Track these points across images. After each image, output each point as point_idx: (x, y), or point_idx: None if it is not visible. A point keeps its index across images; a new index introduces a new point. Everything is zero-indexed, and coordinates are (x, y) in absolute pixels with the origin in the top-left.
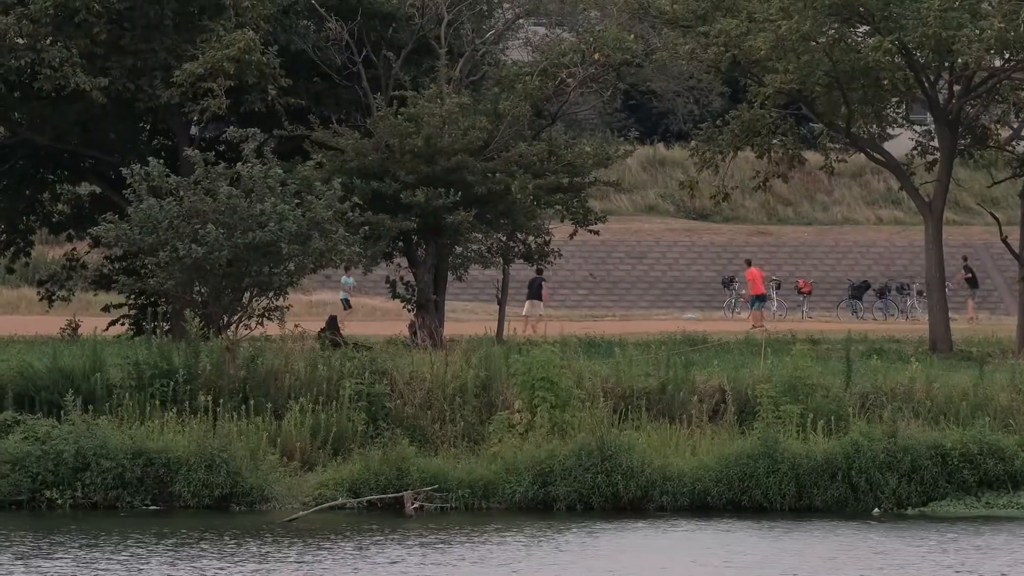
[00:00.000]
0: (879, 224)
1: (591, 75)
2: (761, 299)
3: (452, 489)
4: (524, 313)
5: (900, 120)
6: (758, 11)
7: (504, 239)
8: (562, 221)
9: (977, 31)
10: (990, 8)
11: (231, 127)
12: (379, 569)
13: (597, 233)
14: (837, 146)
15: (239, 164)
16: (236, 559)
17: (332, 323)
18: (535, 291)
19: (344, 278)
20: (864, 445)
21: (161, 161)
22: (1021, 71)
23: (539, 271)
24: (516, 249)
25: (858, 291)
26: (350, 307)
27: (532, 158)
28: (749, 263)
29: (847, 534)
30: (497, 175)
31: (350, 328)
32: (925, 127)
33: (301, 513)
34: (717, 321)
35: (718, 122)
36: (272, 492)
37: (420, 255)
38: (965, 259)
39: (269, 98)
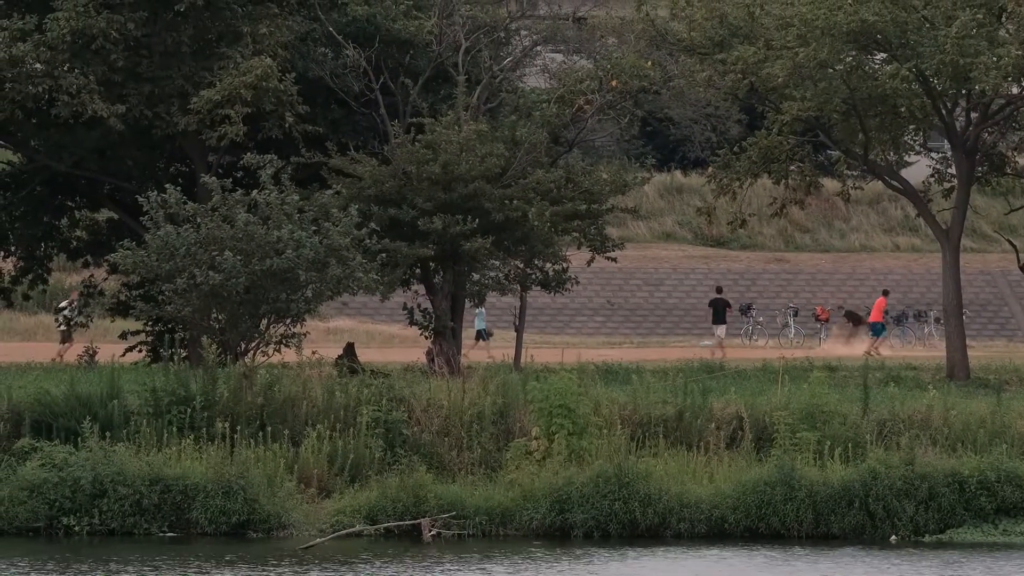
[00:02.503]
0: (896, 251)
1: (608, 102)
2: (877, 328)
3: (469, 516)
4: (720, 336)
5: (917, 147)
6: (775, 38)
7: (521, 266)
8: (579, 248)
9: (994, 58)
10: (1007, 35)
11: (248, 154)
12: None
13: (615, 260)
14: (854, 173)
15: (256, 191)
16: None
17: (349, 350)
18: (720, 314)
19: (479, 309)
20: (881, 472)
21: (178, 188)
22: None
23: (719, 290)
24: (533, 276)
25: None
26: (490, 335)
27: (549, 185)
28: (885, 293)
29: (864, 561)
30: (514, 202)
31: (368, 355)
32: (942, 154)
33: (318, 540)
34: (735, 348)
35: (735, 149)
36: (289, 519)
37: (437, 282)
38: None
39: (286, 125)
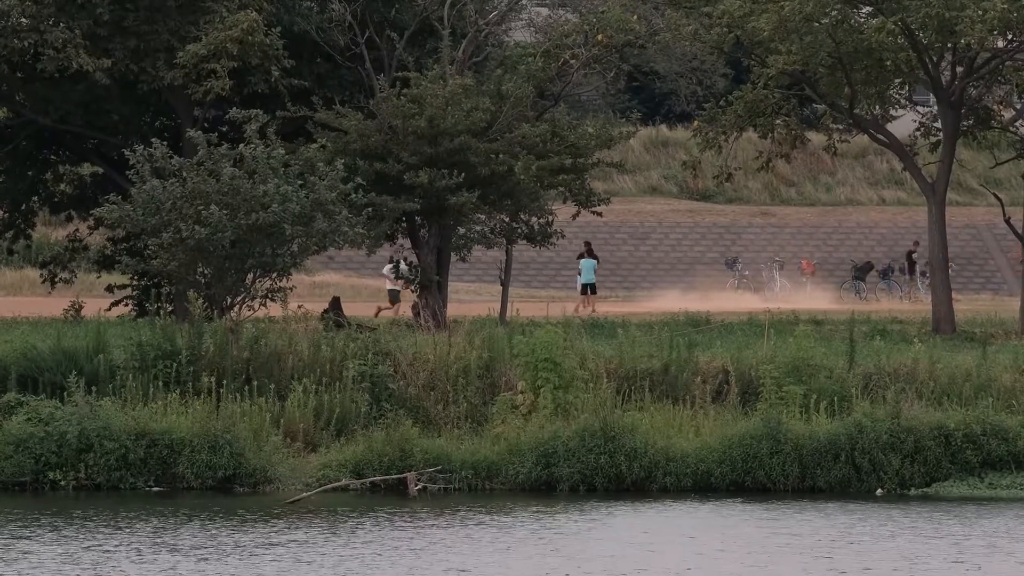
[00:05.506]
0: (882, 205)
1: (594, 56)
2: None
3: (455, 470)
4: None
5: (903, 101)
6: None
7: (507, 220)
8: (565, 202)
9: (980, 12)
10: None
11: (234, 108)
12: (382, 549)
13: (600, 214)
14: (840, 127)
15: (242, 145)
16: (238, 540)
17: (335, 304)
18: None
19: (585, 260)
20: (867, 426)
21: (164, 142)
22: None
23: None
24: (519, 230)
25: (861, 272)
26: (595, 291)
27: (535, 139)
28: None
29: (850, 514)
30: (500, 156)
31: (353, 309)
32: (928, 108)
33: (304, 494)
34: (720, 302)
35: (721, 103)
36: (275, 473)
37: (423, 236)
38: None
39: (272, 79)
